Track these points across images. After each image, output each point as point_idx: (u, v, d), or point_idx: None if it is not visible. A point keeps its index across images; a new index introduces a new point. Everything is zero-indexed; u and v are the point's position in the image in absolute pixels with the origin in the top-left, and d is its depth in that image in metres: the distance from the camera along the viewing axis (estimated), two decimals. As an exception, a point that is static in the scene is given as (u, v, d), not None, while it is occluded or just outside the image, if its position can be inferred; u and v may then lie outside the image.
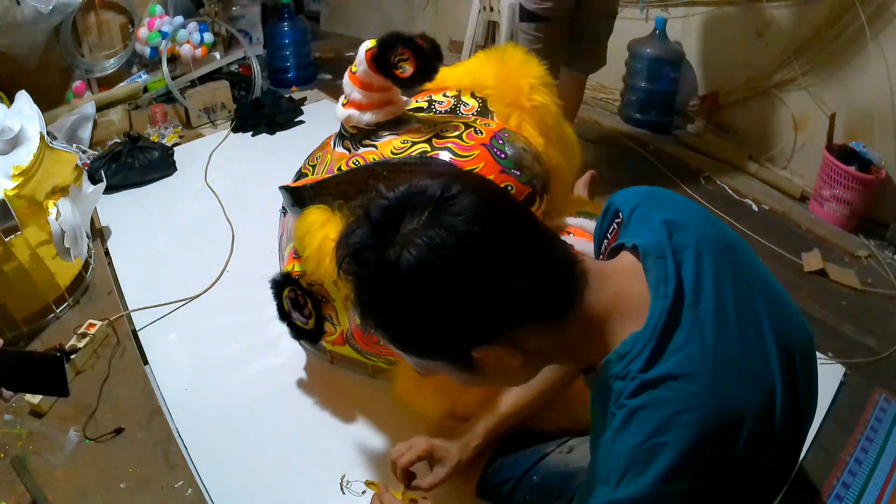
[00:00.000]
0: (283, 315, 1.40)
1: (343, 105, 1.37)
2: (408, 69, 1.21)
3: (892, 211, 2.06)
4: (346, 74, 1.34)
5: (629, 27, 2.69)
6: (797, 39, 2.15)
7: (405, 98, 1.42)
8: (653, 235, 0.74)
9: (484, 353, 0.68)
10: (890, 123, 2.01)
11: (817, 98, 2.18)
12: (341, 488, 1.24)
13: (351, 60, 1.33)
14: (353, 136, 1.38)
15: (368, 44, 1.25)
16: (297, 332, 1.41)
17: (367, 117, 1.32)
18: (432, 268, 0.63)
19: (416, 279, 0.64)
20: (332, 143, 1.46)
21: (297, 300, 1.37)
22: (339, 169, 1.32)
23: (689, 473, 0.64)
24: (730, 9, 2.33)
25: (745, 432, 0.65)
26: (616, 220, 0.83)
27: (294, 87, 3.20)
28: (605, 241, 0.86)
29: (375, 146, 1.31)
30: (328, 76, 3.37)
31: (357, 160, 1.31)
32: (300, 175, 1.51)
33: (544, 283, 0.68)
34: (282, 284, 1.37)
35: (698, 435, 0.63)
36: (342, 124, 1.41)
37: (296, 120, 2.82)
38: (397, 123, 1.34)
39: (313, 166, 1.48)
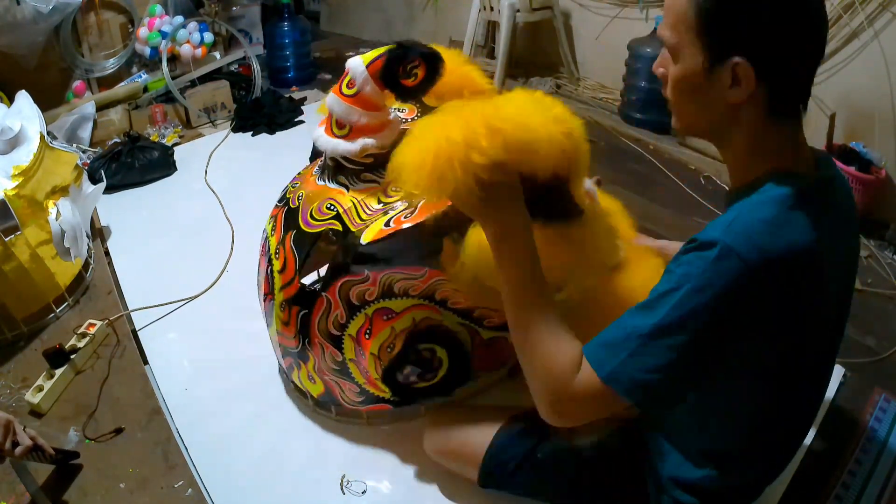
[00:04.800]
0: (406, 397, 1.23)
1: (343, 137, 1.20)
2: (419, 75, 1.16)
3: (892, 211, 2.06)
4: (340, 102, 1.18)
5: (629, 27, 2.70)
6: (797, 39, 2.16)
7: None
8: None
9: (730, 71, 0.77)
10: (890, 123, 2.01)
11: (817, 98, 2.17)
12: (341, 488, 1.24)
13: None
14: (354, 170, 1.22)
15: (362, 59, 1.15)
16: (421, 395, 1.23)
17: (381, 141, 1.19)
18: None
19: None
20: (325, 182, 1.27)
21: (419, 360, 1.18)
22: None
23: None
24: (730, 8, 2.33)
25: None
26: None
27: (294, 87, 3.21)
28: None
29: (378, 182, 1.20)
30: (328, 76, 3.37)
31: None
32: (291, 209, 1.28)
33: (792, 84, 0.78)
34: (395, 368, 1.18)
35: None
36: (342, 158, 1.22)
37: (296, 120, 2.83)
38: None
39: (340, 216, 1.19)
